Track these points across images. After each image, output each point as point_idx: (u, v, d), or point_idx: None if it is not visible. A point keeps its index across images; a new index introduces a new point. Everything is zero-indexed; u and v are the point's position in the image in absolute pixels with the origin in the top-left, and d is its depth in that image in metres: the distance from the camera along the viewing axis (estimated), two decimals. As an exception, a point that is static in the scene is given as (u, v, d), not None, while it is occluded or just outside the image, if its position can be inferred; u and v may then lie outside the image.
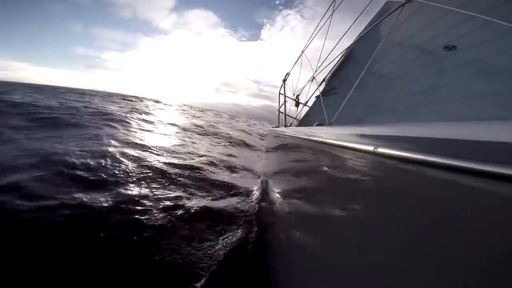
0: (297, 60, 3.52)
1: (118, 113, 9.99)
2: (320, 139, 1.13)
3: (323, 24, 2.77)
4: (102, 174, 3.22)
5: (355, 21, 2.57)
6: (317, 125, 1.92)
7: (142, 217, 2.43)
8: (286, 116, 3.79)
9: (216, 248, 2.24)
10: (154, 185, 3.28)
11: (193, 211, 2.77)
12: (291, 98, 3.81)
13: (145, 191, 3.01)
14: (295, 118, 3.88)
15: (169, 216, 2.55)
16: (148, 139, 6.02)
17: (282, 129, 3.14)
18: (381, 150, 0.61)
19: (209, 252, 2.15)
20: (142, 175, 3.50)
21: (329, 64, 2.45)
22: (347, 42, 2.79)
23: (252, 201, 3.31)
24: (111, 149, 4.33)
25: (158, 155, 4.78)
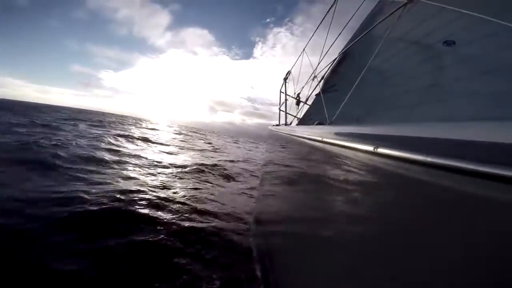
0: (298, 58, 3.51)
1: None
2: (320, 138, 1.12)
3: (323, 24, 2.76)
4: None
5: (350, 19, 2.56)
6: (317, 124, 1.91)
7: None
8: (287, 114, 3.78)
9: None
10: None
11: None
12: (291, 97, 3.80)
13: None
14: (295, 117, 3.87)
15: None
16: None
17: (282, 127, 3.14)
18: (381, 150, 0.61)
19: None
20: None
21: (330, 62, 2.44)
22: (347, 40, 2.77)
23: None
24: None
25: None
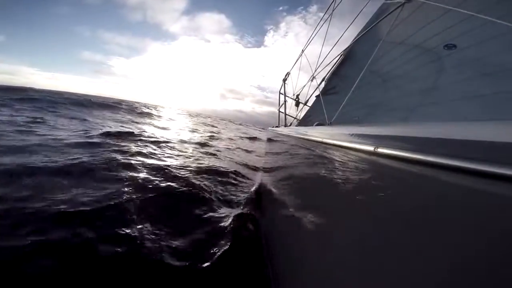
0: (297, 60, 3.52)
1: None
2: (320, 139, 1.13)
3: (323, 24, 2.77)
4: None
5: (354, 20, 2.57)
6: (317, 125, 1.92)
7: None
8: (286, 115, 3.79)
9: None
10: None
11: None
12: (291, 98, 3.81)
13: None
14: (295, 118, 3.88)
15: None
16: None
17: (282, 129, 3.14)
18: (381, 150, 0.61)
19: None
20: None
21: (329, 63, 2.45)
22: (346, 41, 2.78)
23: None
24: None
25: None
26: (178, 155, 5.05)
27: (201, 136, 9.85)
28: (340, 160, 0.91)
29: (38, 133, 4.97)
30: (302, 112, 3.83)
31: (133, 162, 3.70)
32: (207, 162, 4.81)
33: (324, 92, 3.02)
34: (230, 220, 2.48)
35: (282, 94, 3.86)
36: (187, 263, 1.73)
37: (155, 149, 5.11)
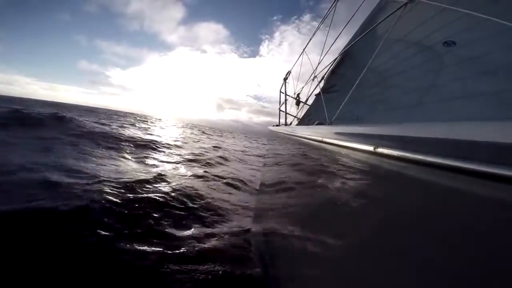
0: (298, 58, 3.51)
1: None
2: (320, 138, 1.13)
3: (324, 23, 2.76)
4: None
5: (350, 19, 2.56)
6: (317, 124, 1.92)
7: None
8: (287, 114, 3.79)
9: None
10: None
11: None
12: (291, 97, 3.81)
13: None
14: (295, 117, 3.87)
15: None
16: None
17: (282, 128, 3.14)
18: (381, 150, 0.61)
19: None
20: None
21: (330, 62, 2.44)
22: (347, 40, 2.77)
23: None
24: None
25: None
26: None
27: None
28: (340, 159, 0.91)
29: None
30: (303, 111, 3.83)
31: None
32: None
33: (324, 91, 3.01)
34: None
35: (282, 93, 3.85)
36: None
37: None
